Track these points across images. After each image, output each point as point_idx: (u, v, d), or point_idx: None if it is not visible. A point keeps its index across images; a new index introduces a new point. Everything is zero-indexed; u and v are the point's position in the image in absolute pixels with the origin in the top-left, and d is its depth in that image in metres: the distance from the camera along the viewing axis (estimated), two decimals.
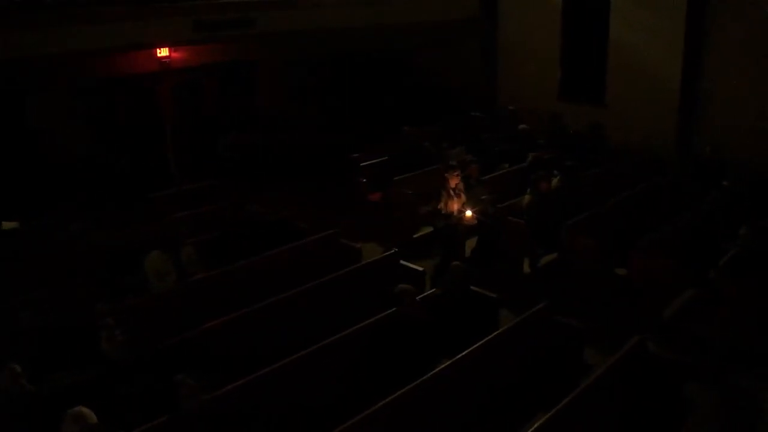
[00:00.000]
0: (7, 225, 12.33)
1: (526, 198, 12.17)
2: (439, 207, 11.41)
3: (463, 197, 11.57)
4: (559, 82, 18.96)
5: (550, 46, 18.86)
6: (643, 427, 7.68)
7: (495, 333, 8.26)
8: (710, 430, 7.90)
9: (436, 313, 8.56)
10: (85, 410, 5.82)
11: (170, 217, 11.97)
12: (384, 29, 17.78)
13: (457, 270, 9.04)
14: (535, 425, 6.40)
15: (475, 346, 7.84)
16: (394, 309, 8.40)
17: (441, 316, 8.57)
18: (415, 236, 13.01)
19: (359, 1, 17.33)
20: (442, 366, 7.46)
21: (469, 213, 11.29)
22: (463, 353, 7.67)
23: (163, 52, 15.78)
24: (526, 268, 11.95)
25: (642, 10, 16.96)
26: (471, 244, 12.12)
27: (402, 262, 10.57)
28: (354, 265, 10.30)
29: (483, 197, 12.13)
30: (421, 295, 8.94)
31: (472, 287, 9.27)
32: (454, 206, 11.39)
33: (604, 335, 9.34)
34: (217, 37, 15.55)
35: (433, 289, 9.44)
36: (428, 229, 12.84)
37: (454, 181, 11.46)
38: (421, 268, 10.47)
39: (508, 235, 11.71)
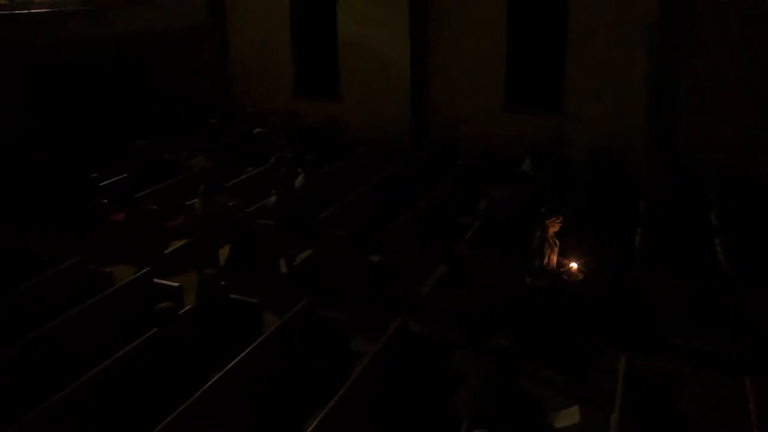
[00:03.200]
0: None
1: (272, 199, 12.21)
2: (545, 263, 9.81)
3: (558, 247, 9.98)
4: (294, 80, 19.11)
5: (282, 45, 18.97)
6: (417, 403, 8.00)
7: (261, 338, 8.22)
8: (480, 397, 8.30)
9: (199, 327, 8.37)
10: None
11: None
12: (109, 40, 16.95)
13: (208, 280, 8.85)
14: (316, 421, 6.48)
15: (242, 354, 7.76)
16: (155, 330, 8.11)
17: (204, 329, 8.39)
18: (166, 252, 12.62)
19: (78, 12, 16.42)
20: (213, 379, 7.31)
21: (574, 265, 9.84)
22: (232, 363, 7.57)
23: None
24: (284, 269, 11.98)
25: (367, 4, 17.50)
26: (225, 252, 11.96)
27: (156, 280, 10.21)
28: (106, 291, 9.80)
29: (230, 203, 12.03)
30: (181, 311, 8.69)
31: (231, 295, 9.16)
32: (554, 258, 9.90)
33: (369, 322, 9.61)
34: None
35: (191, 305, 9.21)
36: (181, 242, 12.52)
37: (554, 229, 9.80)
38: (176, 284, 10.17)
39: (259, 237, 11.67)
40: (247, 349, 7.87)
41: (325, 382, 7.89)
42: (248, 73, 19.74)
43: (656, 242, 11.52)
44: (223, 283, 9.14)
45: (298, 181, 12.91)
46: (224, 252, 11.87)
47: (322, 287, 10.54)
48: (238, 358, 7.69)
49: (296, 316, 8.84)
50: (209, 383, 7.24)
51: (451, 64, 17.03)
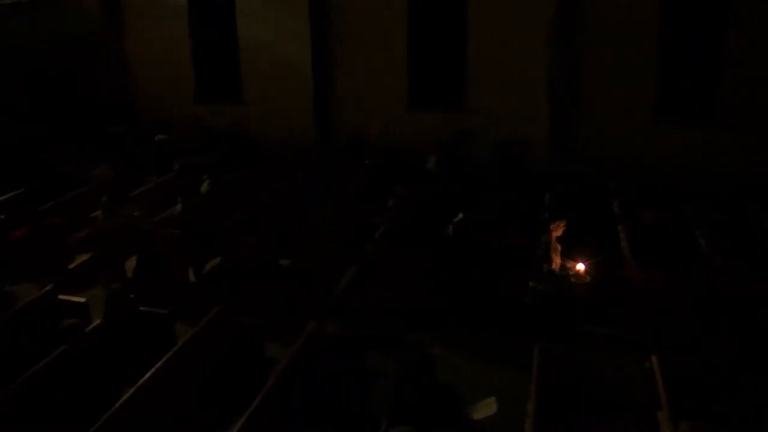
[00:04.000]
0: None
1: (178, 207, 12.02)
2: (553, 267, 9.85)
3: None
4: (195, 85, 18.83)
5: (182, 49, 18.62)
6: (335, 404, 8.02)
7: (173, 350, 8.09)
8: (398, 395, 8.36)
9: (108, 343, 8.19)
10: None
11: None
12: None
13: (115, 294, 8.65)
14: (235, 429, 6.44)
15: (155, 368, 7.62)
16: (63, 347, 7.89)
17: (113, 344, 8.21)
18: (70, 267, 12.27)
19: None
20: (126, 395, 7.16)
21: (581, 267, 10.03)
22: (144, 378, 7.43)
23: None
24: (193, 278, 11.80)
25: (266, 5, 17.37)
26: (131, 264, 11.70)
27: (61, 296, 9.91)
28: (9, 310, 9.46)
29: (135, 214, 11.80)
30: (89, 327, 8.49)
31: (140, 308, 8.98)
32: (558, 261, 10.00)
33: (283, 327, 9.57)
34: None
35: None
36: (85, 256, 12.18)
37: (557, 232, 9.93)
38: (82, 300, 9.89)
39: (167, 247, 11.47)
40: (160, 363, 7.73)
41: (241, 391, 7.82)
42: (149, 79, 19.25)
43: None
44: (131, 295, 8.95)
45: (204, 187, 12.75)
46: (131, 264, 11.62)
47: (234, 294, 10.43)
48: (151, 372, 7.55)
49: (208, 325, 8.73)
50: (122, 399, 7.09)
51: (354, 63, 17.09)
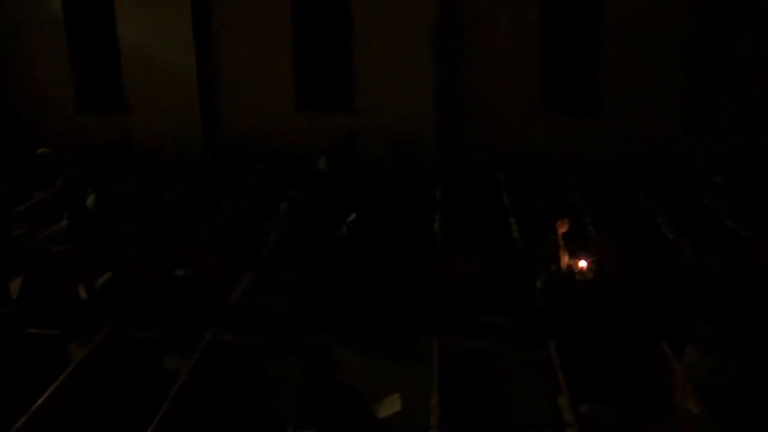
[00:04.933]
0: None
1: (64, 222, 11.66)
2: (563, 266, 9.76)
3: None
4: (76, 95, 18.07)
5: (59, 57, 17.81)
6: (240, 412, 7.94)
7: (66, 372, 7.84)
8: (303, 398, 8.35)
9: None
10: None
11: None
12: None
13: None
14: None
15: (48, 392, 7.37)
16: None
17: (2, 371, 7.92)
18: None
19: None
20: (20, 422, 6.89)
21: (583, 264, 9.83)
22: (37, 403, 7.17)
23: None
24: (84, 295, 11.45)
25: (147, 8, 16.88)
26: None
27: None
28: None
29: (17, 232, 11.38)
30: None
31: (29, 330, 8.68)
32: (566, 260, 9.84)
33: (181, 339, 9.41)
34: None
35: None
36: None
37: (563, 230, 9.84)
38: None
39: (54, 265, 11.10)
40: (53, 387, 7.48)
41: (141, 409, 7.64)
42: (29, 91, 18.45)
43: (455, 227, 12.05)
44: (18, 318, 8.64)
45: (90, 201, 12.39)
46: (16, 285, 11.19)
47: (129, 309, 10.19)
48: (44, 397, 7.30)
49: (102, 343, 8.50)
50: (15, 427, 6.83)
51: (240, 66, 16.86)
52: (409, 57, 16.01)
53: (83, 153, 16.13)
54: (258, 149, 16.16)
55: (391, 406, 8.22)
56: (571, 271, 9.80)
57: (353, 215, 11.20)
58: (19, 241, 11.25)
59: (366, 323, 10.12)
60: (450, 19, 15.61)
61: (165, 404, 7.13)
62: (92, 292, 11.48)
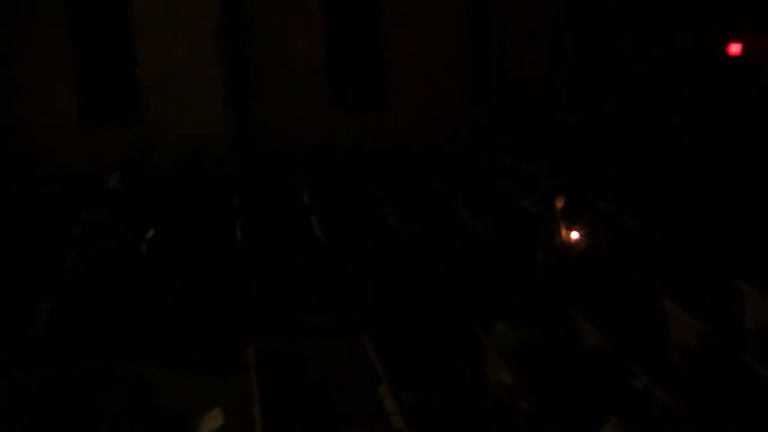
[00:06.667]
0: None
1: None
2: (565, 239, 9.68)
3: None
4: None
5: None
6: None
7: None
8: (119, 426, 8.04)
9: None
10: None
11: None
12: None
13: None
14: None
15: None
16: None
17: None
18: None
19: None
20: None
21: (575, 235, 9.67)
22: None
23: None
24: None
25: None
26: None
27: None
28: None
29: None
30: None
31: None
32: (564, 233, 9.75)
33: None
34: None
35: None
36: None
37: (560, 204, 9.77)
38: None
39: None
40: None
41: None
42: None
43: (256, 231, 12.01)
44: None
45: None
46: None
47: None
48: None
49: None
50: None
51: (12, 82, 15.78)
52: (195, 62, 15.73)
53: None
54: (42, 169, 15.22)
55: (213, 422, 8.07)
56: (568, 243, 10.12)
57: (151, 231, 10.90)
58: None
59: (177, 340, 9.88)
60: (233, 19, 15.49)
61: None
62: None
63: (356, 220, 12.51)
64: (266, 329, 9.93)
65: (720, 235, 11.45)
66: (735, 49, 17.14)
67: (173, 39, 15.65)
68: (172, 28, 15.63)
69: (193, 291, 10.48)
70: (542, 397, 7.04)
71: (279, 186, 14.79)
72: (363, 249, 11.15)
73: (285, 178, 14.92)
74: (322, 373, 8.97)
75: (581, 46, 17.26)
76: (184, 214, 12.62)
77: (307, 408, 8.25)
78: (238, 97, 15.84)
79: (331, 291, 10.41)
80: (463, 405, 7.83)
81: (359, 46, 16.14)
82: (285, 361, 9.22)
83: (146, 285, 10.46)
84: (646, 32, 16.84)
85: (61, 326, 10.28)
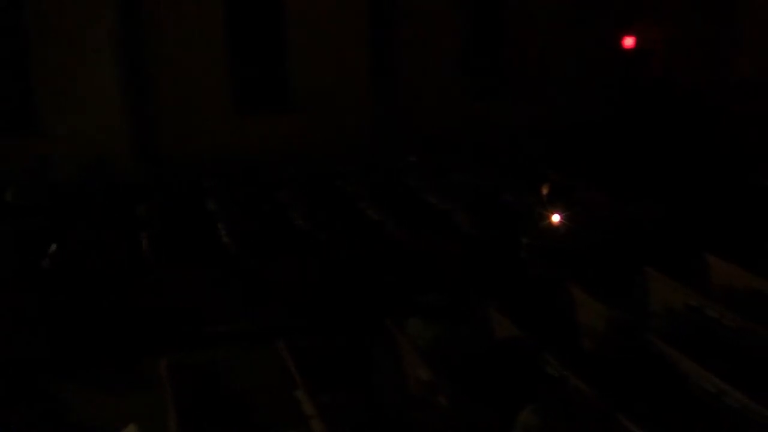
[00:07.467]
0: None
1: None
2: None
3: None
4: None
5: None
6: None
7: None
8: None
9: None
10: None
11: None
12: None
13: None
14: None
15: None
16: None
17: None
18: None
19: None
20: None
21: (556, 217, 10.34)
22: None
23: None
24: None
25: None
26: None
27: None
28: None
29: None
30: None
31: None
32: (550, 218, 10.46)
33: None
34: None
35: None
36: None
37: (546, 191, 10.65)
38: None
39: None
40: None
41: None
42: None
43: (163, 241, 11.80)
44: None
45: None
46: None
47: None
48: None
49: None
50: None
51: None
52: (93, 70, 15.21)
53: None
54: None
55: None
56: (553, 226, 10.66)
57: (53, 246, 10.58)
58: None
59: (86, 357, 9.61)
60: (131, 25, 15.14)
61: None
62: None
63: (264, 224, 12.43)
64: (178, 340, 9.79)
65: (624, 223, 11.90)
66: (629, 42, 17.80)
67: (70, 48, 15.07)
68: (67, 37, 15.05)
69: (99, 305, 10.22)
70: (458, 390, 7.14)
71: (185, 193, 14.54)
72: (271, 254, 11.08)
73: (191, 186, 14.68)
74: (238, 381, 8.89)
75: (481, 44, 17.64)
76: (88, 226, 12.30)
77: (225, 417, 8.16)
78: (140, 105, 15.47)
79: (242, 298, 10.33)
80: (382, 403, 7.88)
81: (262, 48, 16.06)
82: (199, 371, 9.07)
83: (50, 301, 10.15)
84: (541, 28, 17.29)
85: None
